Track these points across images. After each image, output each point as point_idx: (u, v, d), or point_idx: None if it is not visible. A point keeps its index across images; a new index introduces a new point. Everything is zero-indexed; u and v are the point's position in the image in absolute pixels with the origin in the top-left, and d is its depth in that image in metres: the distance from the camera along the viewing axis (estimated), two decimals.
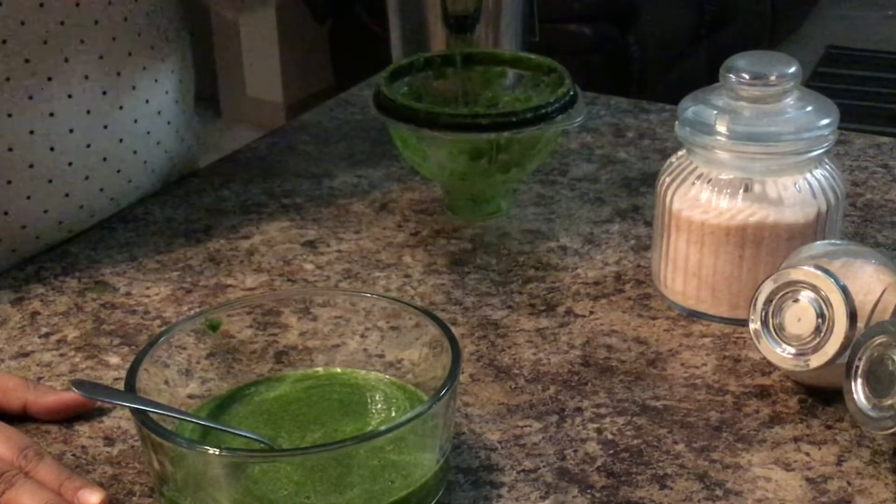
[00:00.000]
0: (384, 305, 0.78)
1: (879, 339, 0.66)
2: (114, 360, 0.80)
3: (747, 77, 0.79)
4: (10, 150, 0.85)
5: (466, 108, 0.98)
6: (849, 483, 0.67)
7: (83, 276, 0.90)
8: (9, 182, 0.86)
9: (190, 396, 0.70)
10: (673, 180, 0.82)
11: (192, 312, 0.84)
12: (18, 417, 0.73)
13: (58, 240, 0.92)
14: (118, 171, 0.92)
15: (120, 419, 0.73)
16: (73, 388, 0.67)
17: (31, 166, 0.86)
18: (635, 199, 1.00)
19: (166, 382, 0.69)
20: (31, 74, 0.84)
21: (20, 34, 0.83)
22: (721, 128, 0.79)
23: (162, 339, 0.69)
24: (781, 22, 3.25)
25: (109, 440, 0.72)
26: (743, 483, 0.67)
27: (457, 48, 1.00)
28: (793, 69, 0.80)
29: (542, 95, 0.95)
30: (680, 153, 0.84)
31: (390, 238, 0.95)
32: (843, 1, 3.78)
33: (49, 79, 0.85)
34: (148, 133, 0.93)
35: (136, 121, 0.91)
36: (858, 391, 0.67)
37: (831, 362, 0.70)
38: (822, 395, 0.74)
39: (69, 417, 0.74)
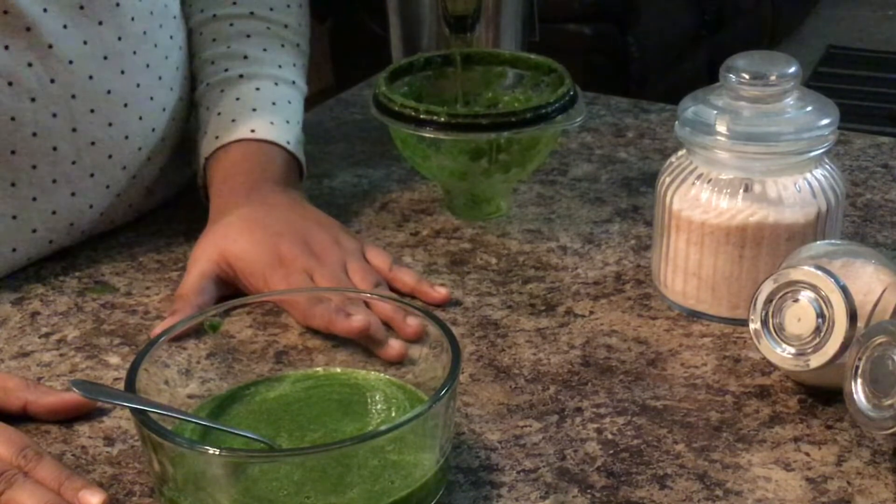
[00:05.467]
0: (384, 305, 0.78)
1: (879, 339, 0.66)
2: (114, 360, 0.80)
3: (747, 77, 0.79)
4: (13, 153, 0.85)
5: (466, 108, 0.99)
6: (849, 483, 0.67)
7: (83, 276, 0.90)
8: (13, 184, 0.86)
9: (190, 396, 0.70)
10: (673, 180, 0.82)
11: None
12: (18, 417, 0.73)
13: (68, 243, 0.92)
14: (123, 168, 0.92)
15: (120, 419, 0.73)
16: (73, 388, 0.67)
17: (34, 167, 0.86)
18: (635, 199, 1.00)
19: (166, 382, 0.69)
20: (35, 76, 0.84)
21: (25, 38, 0.83)
22: (721, 128, 0.79)
23: (162, 339, 0.69)
24: (781, 22, 3.25)
25: (109, 440, 0.72)
26: (743, 483, 0.67)
27: (457, 48, 1.00)
28: (793, 69, 0.80)
29: (542, 95, 0.95)
30: (680, 153, 0.84)
31: (390, 238, 0.95)
32: (843, 1, 3.78)
33: (52, 81, 0.85)
34: (153, 130, 0.93)
35: (140, 118, 0.91)
36: (858, 391, 0.67)
37: (831, 362, 0.70)
38: (822, 395, 0.74)
39: (69, 417, 0.74)
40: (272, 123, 0.94)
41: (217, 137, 0.93)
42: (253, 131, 0.93)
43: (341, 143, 1.13)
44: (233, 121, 0.94)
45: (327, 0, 2.55)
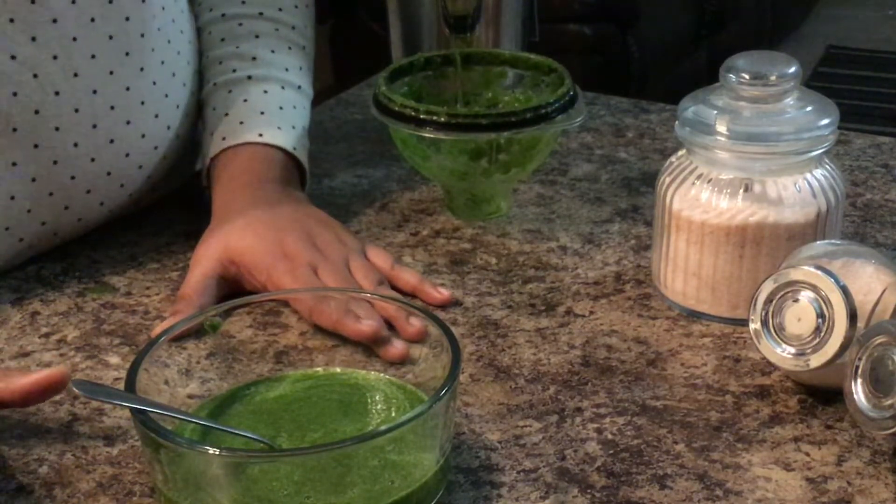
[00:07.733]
0: (384, 305, 0.78)
1: (879, 339, 0.66)
2: (114, 360, 0.80)
3: (747, 77, 0.79)
4: (14, 164, 0.84)
5: (466, 108, 0.98)
6: (849, 483, 0.67)
7: (83, 276, 0.90)
8: (12, 198, 0.85)
9: (190, 396, 0.70)
10: (673, 180, 0.82)
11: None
12: None
13: (52, 247, 0.92)
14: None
15: (120, 419, 0.73)
16: (74, 388, 0.67)
17: (33, 180, 0.86)
18: (635, 199, 1.00)
19: (166, 382, 0.69)
20: (40, 88, 0.84)
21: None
22: (721, 128, 0.79)
23: (162, 339, 0.69)
24: (781, 22, 3.25)
25: (109, 440, 0.72)
26: (743, 483, 0.67)
27: (457, 48, 1.00)
28: (793, 69, 0.80)
29: (542, 95, 0.95)
30: (680, 153, 0.84)
31: (390, 238, 0.95)
32: (843, 1, 3.78)
33: (56, 93, 0.84)
34: (155, 148, 0.93)
35: (143, 136, 0.91)
36: (858, 391, 0.67)
37: (831, 362, 0.70)
38: (822, 395, 0.74)
39: (44, 398, 0.70)
40: (279, 129, 0.94)
41: (224, 139, 0.93)
42: (261, 135, 0.93)
43: (341, 143, 1.13)
44: (240, 123, 0.94)
45: (327, 0, 2.55)
